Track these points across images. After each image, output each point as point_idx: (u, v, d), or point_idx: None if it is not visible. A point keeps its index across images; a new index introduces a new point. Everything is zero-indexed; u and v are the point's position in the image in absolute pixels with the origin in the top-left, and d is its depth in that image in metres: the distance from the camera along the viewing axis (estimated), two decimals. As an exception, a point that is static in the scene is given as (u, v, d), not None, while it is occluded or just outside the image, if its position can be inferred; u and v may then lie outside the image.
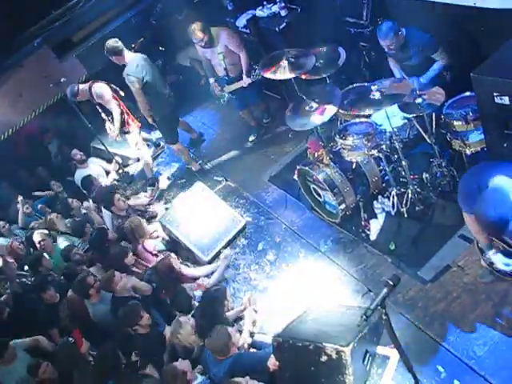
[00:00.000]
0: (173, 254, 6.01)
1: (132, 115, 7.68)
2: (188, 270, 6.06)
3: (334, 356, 4.17)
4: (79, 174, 8.08)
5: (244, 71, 7.01)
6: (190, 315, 5.30)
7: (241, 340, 4.99)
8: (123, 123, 7.52)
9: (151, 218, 7.21)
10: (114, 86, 7.55)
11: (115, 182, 8.15)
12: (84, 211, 7.63)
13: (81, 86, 7.51)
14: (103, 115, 7.59)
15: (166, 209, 7.25)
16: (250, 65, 6.99)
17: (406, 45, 5.54)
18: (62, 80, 7.81)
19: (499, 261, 4.10)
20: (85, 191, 7.95)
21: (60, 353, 5.28)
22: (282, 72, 5.70)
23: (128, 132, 7.65)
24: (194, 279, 6.00)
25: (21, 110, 8.26)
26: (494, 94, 4.32)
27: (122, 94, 7.59)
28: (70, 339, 5.35)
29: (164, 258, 5.89)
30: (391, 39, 5.45)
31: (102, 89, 7.41)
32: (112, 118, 7.47)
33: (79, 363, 5.17)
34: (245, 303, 5.49)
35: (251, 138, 7.94)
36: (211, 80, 7.42)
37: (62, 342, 5.39)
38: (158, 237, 6.68)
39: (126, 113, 7.55)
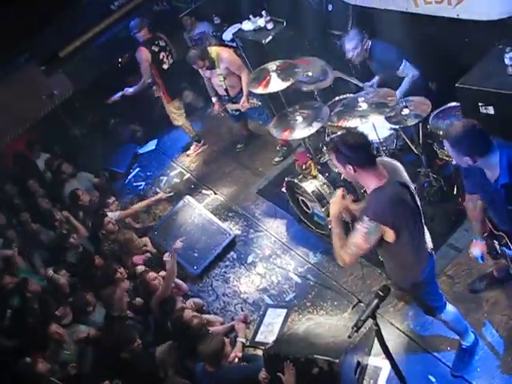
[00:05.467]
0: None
1: None
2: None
3: (326, 368, 4.17)
4: (68, 188, 7.99)
5: (244, 94, 6.89)
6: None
7: (232, 353, 4.96)
8: None
9: (142, 235, 7.13)
10: None
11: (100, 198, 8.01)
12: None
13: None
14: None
15: (155, 223, 7.24)
16: (249, 86, 6.62)
17: (368, 60, 5.69)
18: (55, 92, 7.78)
19: (476, 251, 4.09)
20: (73, 205, 7.87)
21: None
22: (271, 85, 5.73)
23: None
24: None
25: (8, 125, 8.24)
26: (479, 104, 4.37)
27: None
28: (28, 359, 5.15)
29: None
30: (356, 44, 5.65)
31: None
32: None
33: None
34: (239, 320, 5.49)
35: (239, 146, 7.95)
36: (213, 99, 7.39)
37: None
38: (147, 252, 6.64)
39: None
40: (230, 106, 7.22)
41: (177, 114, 8.16)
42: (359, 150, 3.36)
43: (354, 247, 3.42)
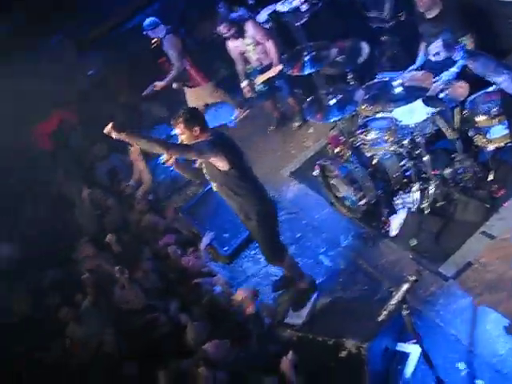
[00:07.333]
0: None
1: None
2: None
3: (354, 351, 4.17)
4: (101, 169, 8.05)
5: (274, 59, 6.92)
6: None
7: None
8: None
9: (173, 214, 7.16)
10: None
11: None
12: None
13: None
14: None
15: (186, 203, 7.30)
16: (279, 52, 6.86)
17: (440, 18, 5.46)
18: (90, 72, 7.91)
19: None
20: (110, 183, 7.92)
21: None
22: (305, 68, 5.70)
23: None
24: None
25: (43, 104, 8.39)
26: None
27: None
28: None
29: None
30: None
31: None
32: None
33: None
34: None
35: (271, 128, 7.93)
36: (244, 83, 7.29)
37: None
38: (178, 231, 6.72)
39: None
40: (260, 78, 7.17)
41: (214, 96, 8.23)
42: (201, 115, 4.73)
43: (187, 148, 4.52)
